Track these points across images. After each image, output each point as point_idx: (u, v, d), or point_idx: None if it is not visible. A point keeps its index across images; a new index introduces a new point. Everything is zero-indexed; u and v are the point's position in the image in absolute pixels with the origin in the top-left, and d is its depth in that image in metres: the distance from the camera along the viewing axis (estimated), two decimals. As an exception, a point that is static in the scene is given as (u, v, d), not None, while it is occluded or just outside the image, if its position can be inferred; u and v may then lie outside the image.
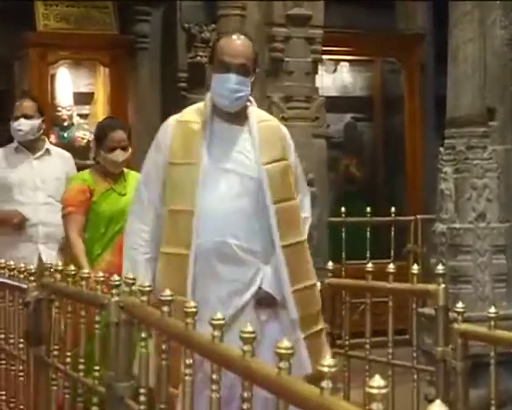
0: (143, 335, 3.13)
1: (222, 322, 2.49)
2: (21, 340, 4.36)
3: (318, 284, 4.44)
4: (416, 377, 4.54)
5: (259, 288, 4.19)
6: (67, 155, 6.94)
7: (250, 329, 2.34)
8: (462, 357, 4.06)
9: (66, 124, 10.79)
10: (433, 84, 10.76)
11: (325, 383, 1.90)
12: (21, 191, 6.44)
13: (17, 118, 6.49)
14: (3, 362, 4.73)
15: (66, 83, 10.93)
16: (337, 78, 11.99)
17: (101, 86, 11.05)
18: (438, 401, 1.68)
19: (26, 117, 6.47)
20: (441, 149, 6.04)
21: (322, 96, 8.64)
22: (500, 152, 5.89)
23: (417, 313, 4.77)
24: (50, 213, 6.27)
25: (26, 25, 10.65)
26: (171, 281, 3.88)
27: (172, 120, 4.46)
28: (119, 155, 5.84)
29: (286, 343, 2.09)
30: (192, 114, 4.42)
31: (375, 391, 1.79)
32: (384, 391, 1.80)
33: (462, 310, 4.05)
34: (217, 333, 2.48)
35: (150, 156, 4.47)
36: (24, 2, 10.59)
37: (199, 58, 9.22)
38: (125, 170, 6.07)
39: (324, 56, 9.49)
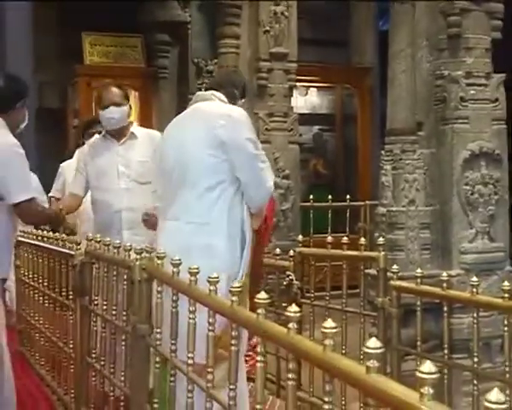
0: (159, 289, 3.13)
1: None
2: (71, 293, 4.38)
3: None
4: (362, 320, 4.56)
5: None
6: (154, 133, 5.32)
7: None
8: (397, 305, 4.08)
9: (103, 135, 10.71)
10: (379, 104, 10.72)
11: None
12: (106, 178, 5.00)
13: (106, 106, 5.00)
14: (58, 309, 4.74)
15: (106, 103, 10.86)
16: (307, 99, 11.94)
17: (133, 105, 10.98)
18: (373, 338, 1.67)
19: (116, 104, 5.00)
20: (382, 151, 6.04)
21: (296, 113, 8.60)
22: (426, 154, 5.86)
23: (364, 274, 4.77)
24: (133, 197, 4.84)
25: (76, 59, 10.64)
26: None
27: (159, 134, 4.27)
28: None
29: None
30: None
31: (327, 331, 1.81)
32: (334, 331, 1.82)
33: (396, 271, 4.07)
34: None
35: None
36: (75, 42, 10.59)
37: (204, 84, 9.13)
38: None
39: (298, 83, 9.48)
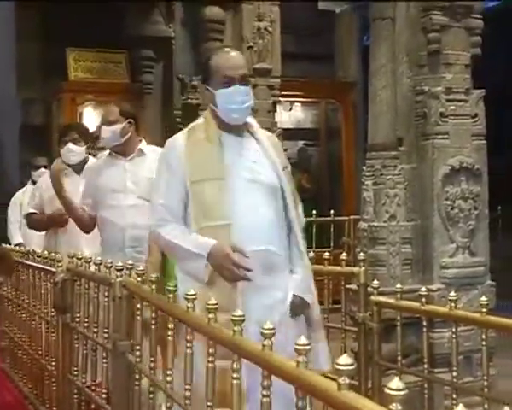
0: (138, 306, 3.16)
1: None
2: (52, 310, 4.39)
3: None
4: (343, 335, 4.59)
5: (293, 295, 3.32)
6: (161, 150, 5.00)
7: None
8: (377, 320, 4.11)
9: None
10: (363, 119, 10.80)
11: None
12: (113, 195, 4.85)
13: (101, 126, 5.04)
14: (40, 326, 4.75)
15: (91, 118, 10.91)
16: (292, 114, 11.99)
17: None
18: (344, 355, 1.70)
19: (109, 123, 4.88)
20: (364, 167, 6.08)
21: (280, 128, 8.64)
22: (407, 170, 5.89)
23: (345, 289, 4.78)
24: (139, 215, 4.59)
25: (61, 75, 10.69)
26: (218, 295, 2.78)
27: (179, 139, 3.42)
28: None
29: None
30: (195, 131, 3.39)
31: (300, 348, 1.86)
32: (308, 348, 1.86)
33: (377, 286, 4.10)
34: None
35: (163, 177, 3.43)
36: (59, 58, 10.62)
37: (189, 100, 9.18)
38: None
39: (282, 98, 9.51)
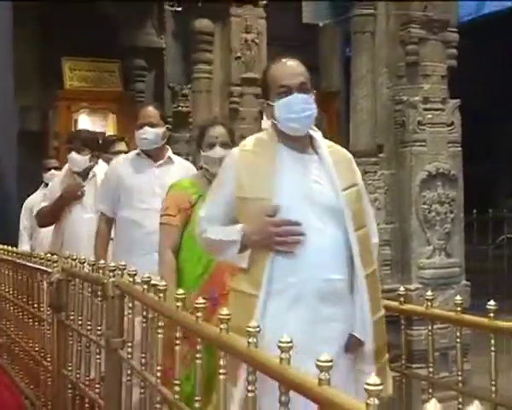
0: (130, 305, 3.16)
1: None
2: (48, 308, 4.38)
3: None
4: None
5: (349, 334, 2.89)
6: (187, 163, 5.00)
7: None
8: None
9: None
10: (346, 126, 10.82)
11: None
12: (140, 198, 4.61)
13: (142, 126, 4.69)
14: (36, 324, 4.74)
15: (85, 125, 10.88)
16: (278, 122, 12.00)
17: (111, 128, 11.00)
18: (325, 353, 1.72)
19: (151, 125, 4.66)
20: (346, 173, 6.09)
21: (266, 135, 8.64)
22: (386, 175, 5.94)
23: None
24: None
25: (57, 84, 10.66)
26: (270, 325, 2.64)
27: (236, 150, 3.05)
28: (218, 152, 3.87)
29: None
30: (255, 144, 2.99)
31: (283, 345, 1.86)
32: (290, 345, 1.86)
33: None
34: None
35: (212, 189, 3.14)
36: (55, 67, 10.62)
37: (180, 108, 9.17)
38: None
39: (268, 107, 9.52)
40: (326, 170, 2.95)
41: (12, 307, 5.32)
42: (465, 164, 6.05)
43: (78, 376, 3.87)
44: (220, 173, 3.09)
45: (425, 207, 5.78)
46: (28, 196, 7.27)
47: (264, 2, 8.22)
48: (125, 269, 3.35)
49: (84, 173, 5.61)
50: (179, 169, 4.69)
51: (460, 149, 6.00)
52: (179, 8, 8.81)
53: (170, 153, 4.82)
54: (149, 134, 4.66)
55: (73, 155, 5.56)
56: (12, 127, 11.23)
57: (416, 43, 5.99)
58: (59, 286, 4.11)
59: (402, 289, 3.80)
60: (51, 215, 5.64)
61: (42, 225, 6.01)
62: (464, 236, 6.05)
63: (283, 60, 3.06)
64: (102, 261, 3.65)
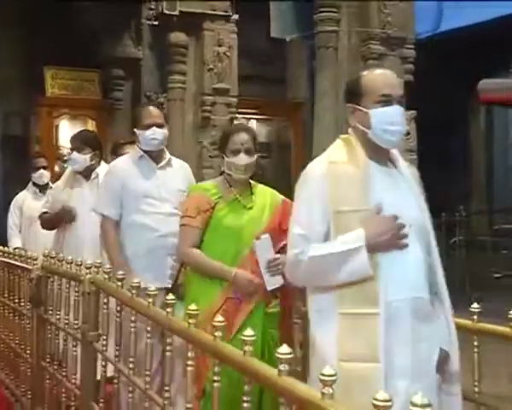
0: (105, 300, 3.16)
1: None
2: (28, 303, 4.36)
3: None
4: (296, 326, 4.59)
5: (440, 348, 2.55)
6: (186, 164, 4.58)
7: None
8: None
9: (65, 158, 10.62)
10: (310, 135, 10.89)
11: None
12: (147, 201, 4.18)
13: (148, 126, 4.22)
14: (17, 318, 4.70)
15: (65, 130, 10.82)
16: (248, 130, 12.02)
17: (90, 133, 10.95)
18: (284, 345, 1.71)
19: (158, 126, 4.24)
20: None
21: (236, 142, 8.66)
22: (348, 180, 6.00)
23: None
24: (176, 224, 3.83)
25: (39, 91, 10.59)
26: (357, 344, 2.39)
27: (320, 165, 2.62)
28: (243, 159, 3.61)
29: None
30: (341, 154, 2.62)
31: (247, 339, 1.87)
32: (253, 338, 1.86)
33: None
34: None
35: (304, 206, 2.63)
36: (38, 75, 10.56)
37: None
38: (253, 182, 3.76)
39: (239, 115, 9.54)
40: (409, 185, 2.66)
41: (-6, 302, 5.27)
42: (421, 170, 6.11)
43: (55, 367, 3.85)
44: (307, 189, 2.63)
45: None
46: (15, 195, 7.10)
47: (236, 17, 8.25)
48: (100, 267, 3.36)
49: (87, 174, 5.26)
50: (180, 171, 4.40)
51: (416, 156, 6.08)
52: (156, 23, 8.81)
53: (168, 154, 4.43)
54: (158, 135, 4.26)
55: (74, 154, 5.23)
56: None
57: (375, 59, 6.07)
58: (38, 282, 4.10)
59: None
60: (51, 224, 5.44)
61: (45, 229, 5.70)
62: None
63: (381, 70, 2.78)
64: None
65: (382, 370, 2.33)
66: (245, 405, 1.87)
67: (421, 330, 2.48)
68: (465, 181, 13.75)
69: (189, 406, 2.24)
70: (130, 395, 2.73)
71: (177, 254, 3.68)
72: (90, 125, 10.97)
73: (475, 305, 2.76)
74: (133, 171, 4.30)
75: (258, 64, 11.32)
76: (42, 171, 6.71)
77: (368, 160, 2.57)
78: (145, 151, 4.30)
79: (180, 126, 8.53)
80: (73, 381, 3.56)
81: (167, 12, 8.22)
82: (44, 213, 5.48)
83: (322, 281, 2.54)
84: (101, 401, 3.12)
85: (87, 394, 3.30)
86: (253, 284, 3.44)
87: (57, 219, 5.31)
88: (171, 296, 2.41)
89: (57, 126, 10.79)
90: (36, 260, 4.26)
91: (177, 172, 4.37)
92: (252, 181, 3.73)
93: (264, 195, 3.72)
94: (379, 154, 2.62)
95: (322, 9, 6.35)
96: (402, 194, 2.61)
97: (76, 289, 3.52)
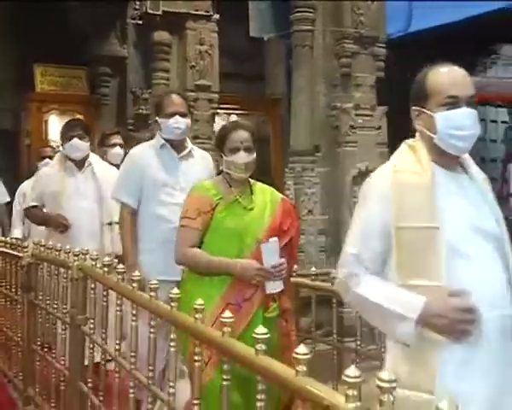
0: (92, 286, 3.17)
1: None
2: (19, 289, 4.35)
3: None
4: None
5: None
6: (208, 155, 4.29)
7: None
8: (296, 298, 4.17)
9: (56, 148, 10.59)
10: (288, 129, 10.88)
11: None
12: (167, 191, 3.94)
13: (171, 115, 3.94)
14: (8, 303, 4.69)
15: (55, 125, 10.74)
16: (228, 124, 11.98)
17: (78, 128, 10.87)
18: (260, 326, 1.73)
19: (182, 115, 3.96)
20: (286, 169, 6.17)
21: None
22: (322, 172, 6.01)
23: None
24: None
25: (28, 87, 10.51)
26: (411, 367, 2.12)
27: (384, 174, 2.28)
28: (243, 157, 3.39)
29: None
30: (406, 162, 2.27)
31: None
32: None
33: (296, 270, 4.15)
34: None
35: (360, 220, 2.32)
36: (28, 72, 10.49)
37: (140, 110, 9.13)
38: (252, 181, 3.51)
39: (220, 111, 9.53)
40: (481, 192, 2.30)
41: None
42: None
43: (45, 350, 3.85)
44: (366, 199, 2.30)
45: (356, 200, 5.74)
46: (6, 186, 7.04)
47: (217, 17, 8.23)
48: (87, 254, 3.36)
49: (80, 163, 5.01)
50: (201, 162, 4.12)
51: (386, 149, 6.10)
52: (140, 22, 8.76)
53: (190, 144, 4.14)
54: (182, 124, 3.97)
55: (76, 141, 4.93)
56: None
57: (348, 57, 6.08)
58: (29, 269, 4.10)
59: (334, 272, 3.85)
60: (40, 222, 5.17)
61: (33, 222, 5.51)
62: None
63: (447, 68, 2.30)
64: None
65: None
66: (258, 404, 1.72)
67: (503, 350, 2.14)
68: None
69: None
70: (116, 376, 2.73)
71: (175, 255, 3.34)
72: (78, 120, 10.91)
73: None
74: (154, 160, 4.02)
75: (238, 62, 11.31)
76: (47, 160, 6.58)
77: (432, 164, 2.23)
78: (166, 140, 4.02)
79: (164, 121, 8.49)
80: (62, 362, 3.57)
81: (151, 12, 8.17)
82: (33, 206, 5.08)
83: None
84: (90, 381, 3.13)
85: (75, 374, 3.31)
86: (262, 271, 3.11)
87: (48, 223, 4.98)
88: (175, 290, 2.27)
89: (46, 121, 10.69)
90: (26, 248, 4.25)
91: (199, 162, 4.10)
92: (250, 180, 3.48)
93: (264, 193, 3.47)
94: (447, 160, 2.27)
95: (298, 9, 6.34)
96: (472, 202, 2.25)
97: (65, 275, 3.53)
